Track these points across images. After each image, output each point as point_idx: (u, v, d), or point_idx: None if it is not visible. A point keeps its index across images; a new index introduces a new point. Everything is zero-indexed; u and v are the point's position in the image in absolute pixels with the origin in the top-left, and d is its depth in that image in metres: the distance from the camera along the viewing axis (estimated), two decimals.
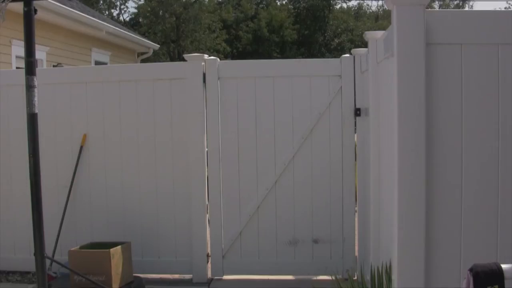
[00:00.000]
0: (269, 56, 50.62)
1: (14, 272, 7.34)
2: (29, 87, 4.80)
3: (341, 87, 6.92)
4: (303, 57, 50.84)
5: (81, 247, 6.56)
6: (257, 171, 7.03)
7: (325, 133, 6.97)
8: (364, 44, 6.10)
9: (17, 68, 9.87)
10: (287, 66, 7.23)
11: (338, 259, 6.96)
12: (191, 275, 6.95)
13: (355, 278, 5.27)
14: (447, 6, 59.90)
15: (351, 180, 6.99)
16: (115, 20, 40.03)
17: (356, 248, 6.85)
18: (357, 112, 6.58)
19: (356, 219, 6.84)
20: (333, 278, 4.98)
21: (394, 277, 3.89)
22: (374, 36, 5.56)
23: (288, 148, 6.98)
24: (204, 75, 6.92)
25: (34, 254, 4.84)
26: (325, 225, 7.01)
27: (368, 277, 4.99)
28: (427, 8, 3.74)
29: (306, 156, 6.98)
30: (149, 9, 43.92)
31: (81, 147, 7.10)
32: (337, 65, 6.96)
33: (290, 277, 7.03)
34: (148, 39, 23.98)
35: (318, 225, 7.01)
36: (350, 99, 6.91)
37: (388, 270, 4.31)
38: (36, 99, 4.84)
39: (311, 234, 7.02)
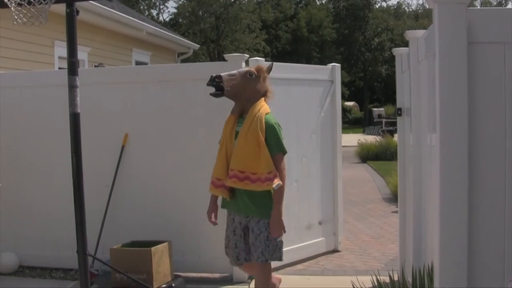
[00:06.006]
0: (308, 56, 50.61)
1: (57, 269, 7.46)
2: (72, 87, 4.86)
3: (334, 90, 8.14)
4: (342, 57, 50.77)
5: (123, 246, 6.63)
6: (288, 166, 7.39)
7: (324, 130, 8.05)
8: (405, 43, 6.07)
9: (59, 68, 10.01)
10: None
11: (332, 235, 8.18)
12: (231, 274, 6.97)
13: (396, 278, 5.23)
14: (489, 4, 59.17)
15: (339, 169, 8.29)
16: (155, 20, 40.34)
17: (398, 248, 6.82)
18: (398, 112, 6.54)
19: (397, 219, 6.82)
20: (374, 278, 4.95)
21: (436, 278, 3.85)
22: (415, 35, 5.53)
23: (304, 144, 7.72)
24: None
25: (77, 252, 4.90)
26: (325, 208, 8.09)
27: (409, 278, 4.95)
28: (468, 6, 3.70)
29: (314, 150, 7.93)
30: (189, 9, 44.10)
31: (123, 147, 7.17)
32: (329, 71, 8.18)
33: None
34: (188, 39, 24.14)
35: (322, 209, 8.04)
36: (339, 101, 8.30)
37: (430, 271, 4.27)
38: (78, 99, 4.89)
39: (317, 218, 7.97)
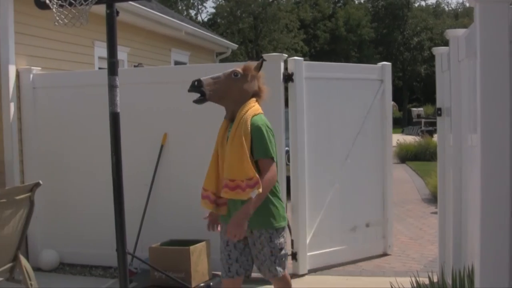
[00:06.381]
0: (347, 56, 50.38)
1: (97, 267, 7.55)
2: (112, 87, 4.91)
3: (384, 89, 7.92)
4: (381, 57, 50.46)
5: (161, 244, 6.68)
6: (330, 166, 7.48)
7: (372, 131, 7.87)
8: (444, 43, 6.00)
9: (99, 68, 10.11)
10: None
11: (381, 238, 7.99)
12: None
13: (436, 280, 5.17)
14: None
15: (390, 170, 8.05)
16: (193, 21, 40.54)
17: (437, 250, 6.75)
18: (438, 111, 6.47)
19: (437, 220, 6.75)
20: (413, 279, 4.91)
21: (477, 280, 3.80)
22: (455, 34, 5.46)
23: (349, 144, 7.61)
24: (283, 75, 6.97)
25: (116, 250, 4.95)
26: (373, 211, 7.86)
27: (449, 280, 4.90)
28: (510, 4, 3.64)
29: (360, 151, 7.72)
30: (227, 9, 44.23)
31: (162, 146, 7.22)
32: (378, 70, 8.00)
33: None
34: (226, 39, 24.15)
35: (369, 211, 7.82)
36: (389, 100, 8.03)
37: (470, 273, 4.21)
38: (118, 98, 4.94)
39: (364, 220, 7.78)
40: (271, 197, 4.54)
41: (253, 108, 4.60)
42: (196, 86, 4.55)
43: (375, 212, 7.89)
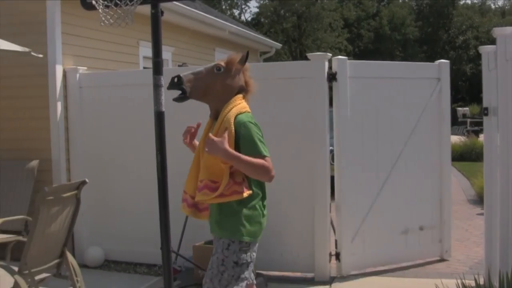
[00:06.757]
0: (391, 55, 49.99)
1: (141, 264, 7.64)
2: (157, 86, 4.94)
3: (441, 88, 7.63)
4: (426, 56, 49.94)
5: (205, 243, 6.71)
6: (377, 167, 7.33)
7: (427, 130, 7.60)
8: (490, 41, 5.92)
9: (144, 68, 10.20)
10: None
11: (436, 242, 7.69)
12: (313, 274, 6.95)
13: (482, 282, 5.10)
14: None
15: (448, 171, 7.78)
16: (237, 20, 40.65)
17: (483, 252, 6.67)
18: (485, 111, 6.38)
19: (483, 222, 6.66)
20: (459, 281, 4.86)
21: None
22: (503, 32, 5.38)
23: (400, 144, 7.40)
24: (328, 74, 6.95)
25: (161, 248, 4.98)
26: (428, 214, 7.60)
27: (495, 283, 4.83)
28: None
29: (414, 151, 7.48)
30: (271, 8, 44.24)
31: None
32: (435, 69, 7.76)
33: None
34: (270, 38, 24.14)
35: (423, 214, 7.56)
36: (447, 99, 7.72)
37: None
38: (163, 97, 4.97)
39: (417, 223, 7.52)
40: (247, 210, 4.12)
41: (239, 106, 4.19)
42: (176, 83, 4.19)
43: (431, 215, 7.62)
